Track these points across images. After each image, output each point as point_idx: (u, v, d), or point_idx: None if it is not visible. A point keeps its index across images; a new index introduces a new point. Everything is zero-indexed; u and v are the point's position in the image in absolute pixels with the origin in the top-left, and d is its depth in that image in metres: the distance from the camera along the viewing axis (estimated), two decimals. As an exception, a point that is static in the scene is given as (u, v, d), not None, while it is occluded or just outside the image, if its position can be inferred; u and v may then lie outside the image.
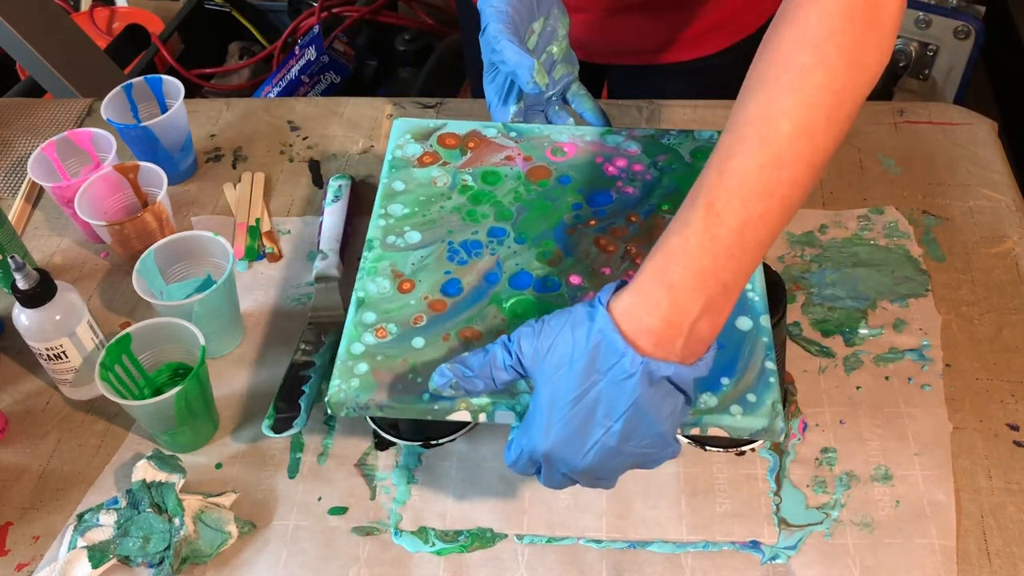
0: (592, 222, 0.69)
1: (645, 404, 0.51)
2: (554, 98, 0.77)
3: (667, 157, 0.73)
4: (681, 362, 0.51)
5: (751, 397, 0.58)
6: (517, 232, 0.68)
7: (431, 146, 0.74)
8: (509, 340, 0.56)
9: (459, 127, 0.76)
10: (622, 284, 0.54)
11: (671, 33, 0.93)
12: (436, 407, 0.59)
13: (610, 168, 0.72)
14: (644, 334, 0.51)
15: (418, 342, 0.62)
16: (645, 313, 0.51)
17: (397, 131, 0.76)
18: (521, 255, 0.67)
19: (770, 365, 0.59)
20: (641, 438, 0.53)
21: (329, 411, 0.60)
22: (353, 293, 0.65)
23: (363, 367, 0.61)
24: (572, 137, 0.74)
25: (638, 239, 0.68)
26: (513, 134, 0.75)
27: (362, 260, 0.67)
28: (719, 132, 0.73)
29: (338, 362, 0.61)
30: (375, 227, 0.69)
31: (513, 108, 0.76)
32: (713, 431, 0.58)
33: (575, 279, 0.65)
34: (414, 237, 0.68)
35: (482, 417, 0.59)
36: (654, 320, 0.51)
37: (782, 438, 0.59)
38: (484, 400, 0.59)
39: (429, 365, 0.60)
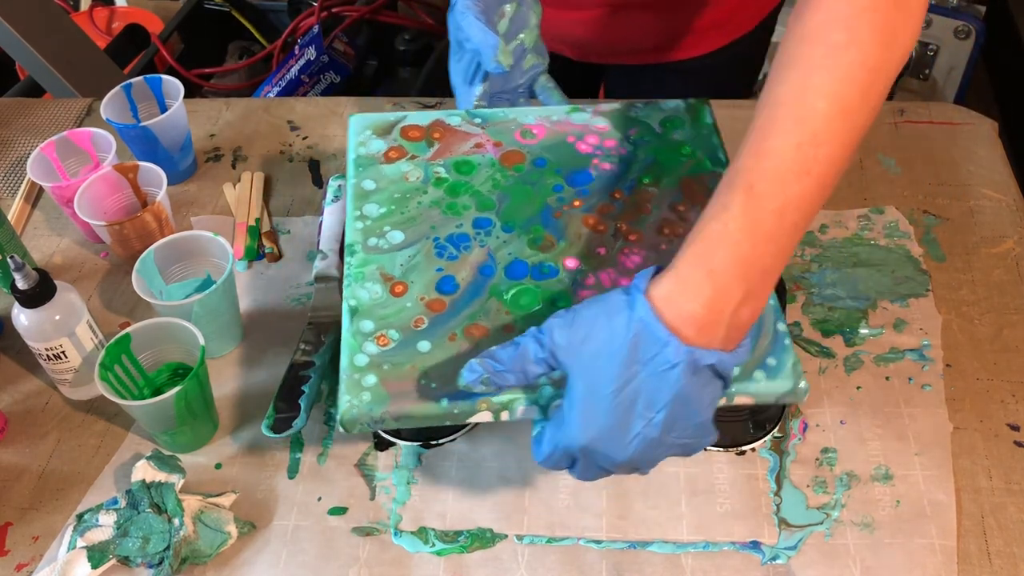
0: (577, 203, 0.68)
1: (688, 394, 0.51)
2: (521, 89, 0.76)
3: (638, 130, 0.73)
4: (722, 349, 0.51)
5: (771, 361, 0.57)
6: (503, 220, 0.67)
7: (395, 140, 0.72)
8: (540, 332, 0.53)
9: (420, 118, 0.73)
10: (658, 270, 0.52)
11: (671, 31, 0.93)
12: (456, 411, 0.57)
13: (582, 146, 0.71)
14: (686, 321, 0.50)
15: (424, 346, 0.60)
16: (687, 300, 0.50)
17: (355, 128, 0.73)
18: (512, 244, 0.65)
19: (782, 327, 0.59)
20: (683, 428, 0.52)
21: (343, 430, 0.57)
22: (343, 302, 0.62)
23: (371, 379, 0.58)
24: (539, 118, 0.73)
25: (626, 215, 0.67)
26: (478, 120, 0.73)
27: (346, 266, 0.64)
28: (687, 100, 0.74)
29: (343, 377, 0.58)
30: (353, 230, 0.66)
31: (478, 89, 0.74)
32: (740, 399, 0.57)
33: (571, 263, 0.64)
34: (397, 237, 0.65)
35: (504, 416, 0.57)
36: (696, 307, 0.50)
37: (805, 399, 0.58)
38: (505, 397, 0.57)
39: (440, 368, 0.58)
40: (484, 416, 0.57)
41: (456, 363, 0.58)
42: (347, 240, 0.65)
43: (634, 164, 0.70)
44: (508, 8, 0.73)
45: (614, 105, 0.74)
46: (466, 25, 0.69)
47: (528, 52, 0.75)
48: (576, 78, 1.01)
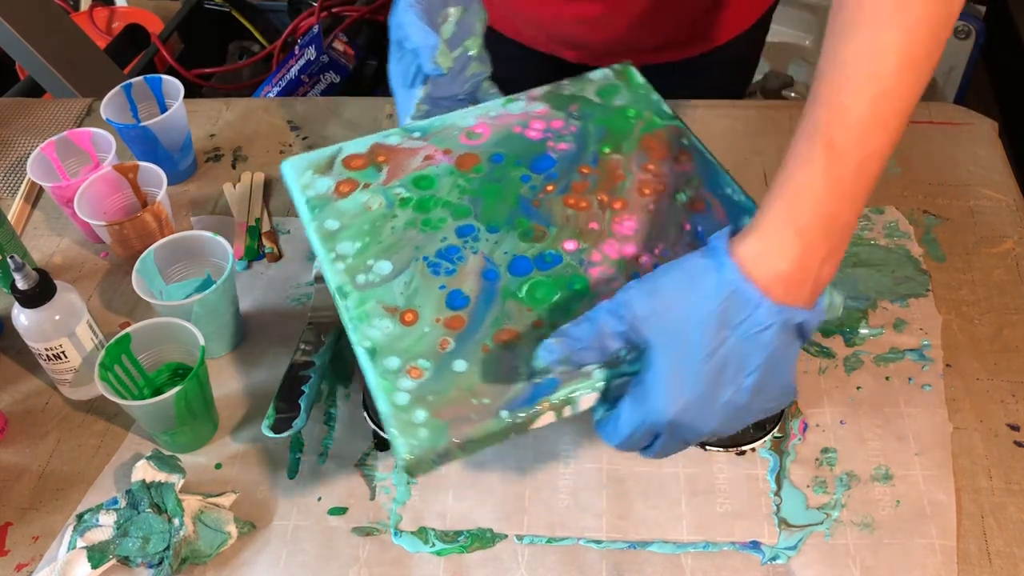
0: (549, 187, 0.67)
1: (778, 356, 0.50)
2: (462, 96, 0.74)
3: (578, 105, 0.72)
4: (805, 307, 0.50)
5: None
6: (485, 223, 0.65)
7: (340, 174, 0.67)
8: (617, 305, 0.51)
9: (358, 146, 0.69)
10: (735, 230, 0.52)
11: (673, 26, 0.93)
12: (519, 420, 0.54)
13: (532, 133, 0.71)
14: (775, 281, 0.49)
15: (460, 365, 0.56)
16: (776, 259, 0.50)
17: (292, 173, 0.68)
18: (503, 242, 0.64)
19: None
20: (770, 391, 0.51)
21: (409, 477, 0.54)
22: (355, 348, 0.58)
23: (421, 414, 0.54)
24: (478, 117, 0.71)
25: (603, 186, 0.66)
26: (417, 134, 0.70)
27: (342, 311, 0.60)
28: (612, 67, 0.75)
29: (391, 422, 0.54)
30: (335, 274, 0.61)
31: (419, 92, 0.71)
32: None
33: (570, 245, 0.63)
34: (384, 267, 0.62)
35: (567, 412, 0.55)
36: (785, 266, 0.49)
37: (840, 312, 0.56)
38: (563, 393, 0.54)
39: (487, 382, 0.55)
40: (547, 418, 0.55)
41: (500, 373, 0.55)
42: (333, 286, 0.61)
43: (589, 138, 0.70)
44: (452, 11, 0.71)
45: (544, 88, 0.74)
46: (407, 24, 0.68)
47: (473, 60, 0.72)
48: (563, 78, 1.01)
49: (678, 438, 0.53)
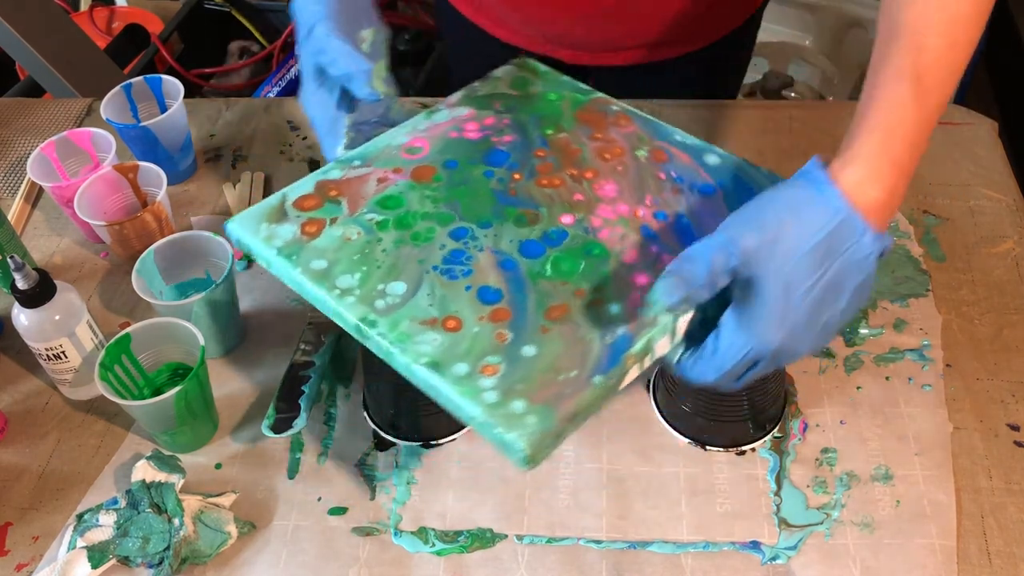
0: (516, 176, 0.67)
1: (870, 279, 0.53)
2: (376, 119, 0.73)
3: (500, 101, 0.73)
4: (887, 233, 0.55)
5: None
6: (474, 222, 0.64)
7: (299, 216, 0.64)
8: (727, 240, 0.52)
9: (301, 188, 0.67)
10: (824, 160, 0.54)
11: (669, 24, 0.94)
12: (612, 381, 0.54)
13: (469, 134, 0.71)
14: (873, 209, 0.52)
15: (529, 351, 0.56)
16: (875, 188, 0.52)
17: (244, 231, 0.64)
18: (502, 234, 0.63)
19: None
20: (854, 308, 0.54)
21: (530, 466, 0.52)
22: (410, 368, 0.56)
23: (519, 404, 0.53)
24: (408, 134, 0.71)
25: (566, 162, 0.68)
26: (357, 162, 0.68)
27: (375, 341, 0.57)
28: (511, 62, 0.77)
29: (493, 423, 0.52)
30: (349, 308, 0.59)
31: (346, 120, 0.69)
32: None
33: (566, 219, 0.64)
34: (398, 288, 0.60)
35: (647, 361, 0.56)
36: (881, 194, 0.52)
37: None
38: (641, 344, 0.55)
39: (566, 359, 0.55)
40: (633, 372, 0.56)
41: (572, 345, 0.56)
42: (352, 320, 0.59)
43: (526, 125, 0.71)
44: (367, 34, 0.69)
45: (458, 94, 0.74)
46: (332, 49, 0.65)
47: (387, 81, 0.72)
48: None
49: (776, 363, 0.55)
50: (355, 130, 0.70)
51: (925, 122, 0.54)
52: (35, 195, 0.95)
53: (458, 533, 0.66)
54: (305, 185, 0.67)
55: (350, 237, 0.63)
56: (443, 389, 0.55)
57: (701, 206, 0.65)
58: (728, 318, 0.54)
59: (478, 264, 0.62)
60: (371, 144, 0.70)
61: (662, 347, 0.56)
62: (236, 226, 0.65)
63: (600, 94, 0.75)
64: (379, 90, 0.66)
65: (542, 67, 0.76)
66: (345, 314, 0.59)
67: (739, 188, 0.66)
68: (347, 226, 0.64)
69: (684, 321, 0.57)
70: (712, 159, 0.68)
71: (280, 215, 0.65)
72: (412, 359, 0.56)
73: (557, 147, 0.70)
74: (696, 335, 0.57)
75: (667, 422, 0.71)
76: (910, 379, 0.73)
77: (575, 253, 0.62)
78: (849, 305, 0.54)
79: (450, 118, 0.72)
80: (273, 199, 0.66)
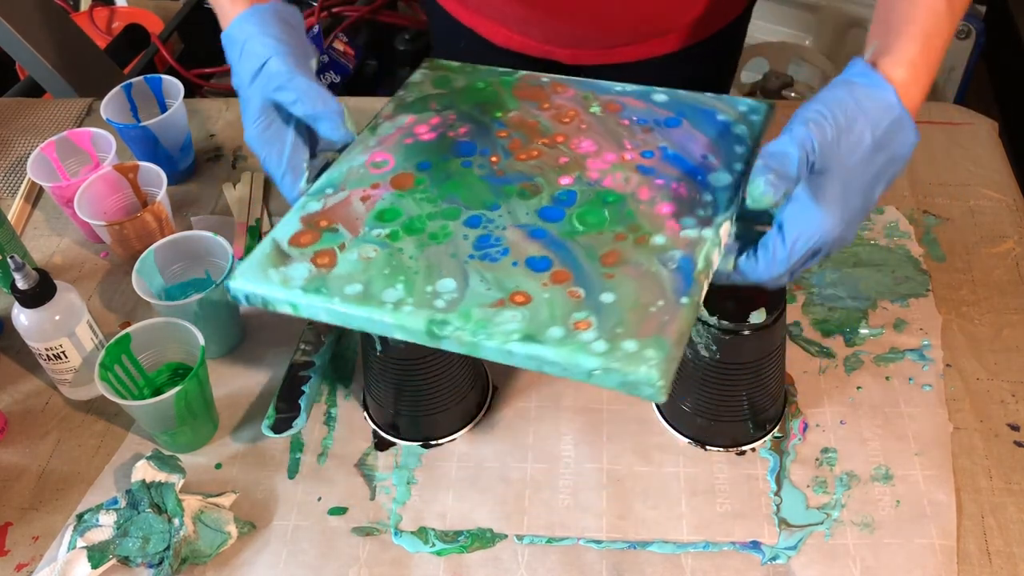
0: (494, 159, 0.68)
1: (902, 172, 0.59)
2: (323, 145, 0.71)
3: (434, 102, 0.74)
4: None
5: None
6: (480, 208, 0.65)
7: (304, 253, 0.63)
8: (807, 136, 0.55)
9: (287, 228, 0.64)
10: (872, 60, 0.58)
11: (669, 15, 0.94)
12: (696, 297, 0.57)
13: (424, 137, 0.71)
14: (913, 106, 0.57)
15: (608, 297, 0.57)
16: (917, 88, 0.57)
17: (252, 284, 0.62)
18: (515, 210, 0.64)
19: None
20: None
21: (663, 397, 0.53)
22: (506, 349, 0.56)
23: (630, 344, 0.54)
24: (364, 152, 0.69)
25: (533, 137, 0.70)
26: (330, 190, 0.67)
27: (459, 339, 0.57)
28: (417, 69, 0.78)
29: (618, 367, 0.54)
30: (414, 318, 0.58)
31: (306, 165, 0.67)
32: None
33: (565, 180, 0.66)
34: (448, 284, 0.59)
35: (710, 273, 0.59)
36: (919, 95, 0.58)
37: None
38: (702, 261, 0.58)
39: (643, 291, 0.58)
40: (705, 286, 0.59)
41: (643, 281, 0.58)
42: (419, 328, 0.58)
43: (473, 114, 0.72)
44: (313, 63, 0.68)
45: (389, 106, 0.75)
46: (297, 87, 0.63)
47: None
48: None
49: (832, 251, 0.58)
50: (311, 164, 0.69)
51: (951, 33, 0.59)
52: (35, 195, 0.95)
53: (458, 533, 0.66)
54: (291, 225, 0.65)
55: (368, 256, 0.62)
56: (548, 355, 0.55)
57: (676, 136, 0.69)
58: (792, 212, 0.56)
59: (510, 241, 0.62)
60: (332, 171, 0.69)
61: (716, 259, 0.60)
62: (242, 282, 0.62)
63: (524, 72, 0.77)
64: (352, 131, 0.66)
65: (454, 63, 0.78)
66: (410, 324, 0.58)
67: (697, 113, 0.71)
68: (359, 247, 0.63)
69: (725, 232, 0.61)
70: (660, 97, 0.73)
71: (283, 257, 0.63)
72: (503, 340, 0.56)
73: (514, 125, 0.71)
74: (732, 244, 0.61)
75: (667, 422, 0.71)
76: (910, 379, 0.73)
77: (594, 205, 0.64)
78: (880, 194, 0.59)
79: (395, 128, 0.72)
80: (264, 247, 0.63)
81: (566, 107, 0.73)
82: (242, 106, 0.67)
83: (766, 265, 0.57)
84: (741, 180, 0.65)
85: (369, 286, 0.60)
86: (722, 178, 0.66)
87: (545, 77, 0.76)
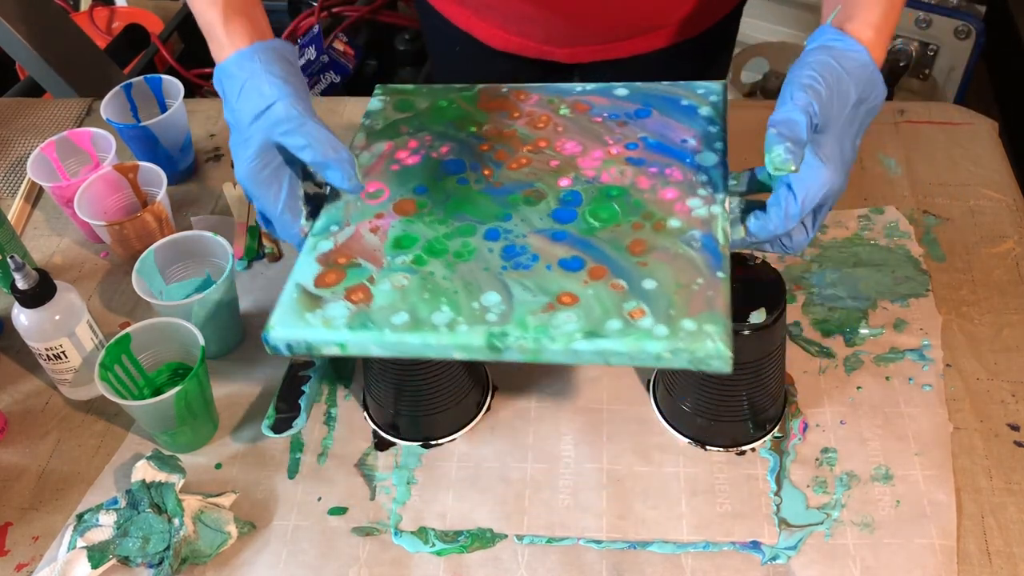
0: (487, 172, 0.70)
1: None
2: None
3: (403, 125, 0.75)
4: None
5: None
6: (493, 221, 0.66)
7: (335, 293, 0.63)
8: (808, 101, 0.59)
9: (306, 272, 0.64)
10: (836, 23, 0.64)
11: (665, 9, 0.94)
12: (727, 271, 0.61)
13: (408, 160, 0.72)
14: (880, 63, 0.63)
15: (649, 284, 0.60)
16: (879, 48, 0.63)
17: (294, 332, 0.62)
18: (527, 218, 0.66)
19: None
20: None
21: (731, 367, 0.56)
22: (572, 349, 0.58)
23: (688, 323, 0.57)
24: (354, 182, 0.67)
25: (515, 145, 0.72)
26: (335, 227, 0.67)
27: (523, 347, 0.58)
28: (377, 92, 0.79)
29: (682, 346, 0.56)
30: (472, 335, 0.59)
31: (302, 204, 0.67)
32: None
33: (564, 182, 0.68)
34: (492, 298, 0.61)
35: (728, 244, 0.63)
36: (883, 54, 0.63)
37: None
38: (720, 234, 0.63)
39: (680, 272, 0.61)
40: (729, 258, 0.62)
41: (676, 261, 0.61)
42: (479, 344, 0.59)
43: (449, 133, 0.74)
44: (311, 104, 0.67)
45: (359, 137, 0.75)
46: (308, 132, 0.63)
47: None
48: (549, 80, 1.02)
49: (833, 204, 0.63)
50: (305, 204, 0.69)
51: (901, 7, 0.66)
52: (35, 195, 0.95)
53: (458, 533, 0.66)
54: (309, 267, 0.65)
55: (402, 284, 0.63)
56: (616, 347, 0.57)
57: (651, 126, 0.72)
58: (805, 171, 0.60)
59: (535, 247, 0.64)
60: (331, 208, 0.69)
61: (728, 230, 0.64)
62: (281, 332, 0.62)
63: (482, 84, 0.79)
64: (362, 183, 0.66)
65: (407, 86, 0.79)
66: (469, 341, 0.59)
67: (662, 102, 0.74)
68: (389, 277, 0.63)
69: (727, 204, 0.65)
70: (621, 91, 0.76)
71: (314, 300, 0.63)
72: (566, 341, 0.58)
73: (493, 137, 0.73)
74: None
75: (667, 422, 0.71)
76: (910, 379, 0.73)
77: (600, 201, 0.66)
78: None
79: (376, 157, 0.73)
80: (291, 293, 0.63)
81: (536, 113, 0.75)
82: (236, 143, 0.65)
83: (779, 222, 0.61)
84: (725, 156, 0.69)
85: (415, 312, 0.61)
86: (709, 158, 0.69)
87: (504, 87, 0.78)
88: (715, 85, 0.76)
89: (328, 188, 0.71)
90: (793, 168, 0.57)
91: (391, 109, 0.77)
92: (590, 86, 0.77)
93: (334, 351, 0.61)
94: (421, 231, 0.66)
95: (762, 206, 0.63)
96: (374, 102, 0.78)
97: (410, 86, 0.80)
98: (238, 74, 0.65)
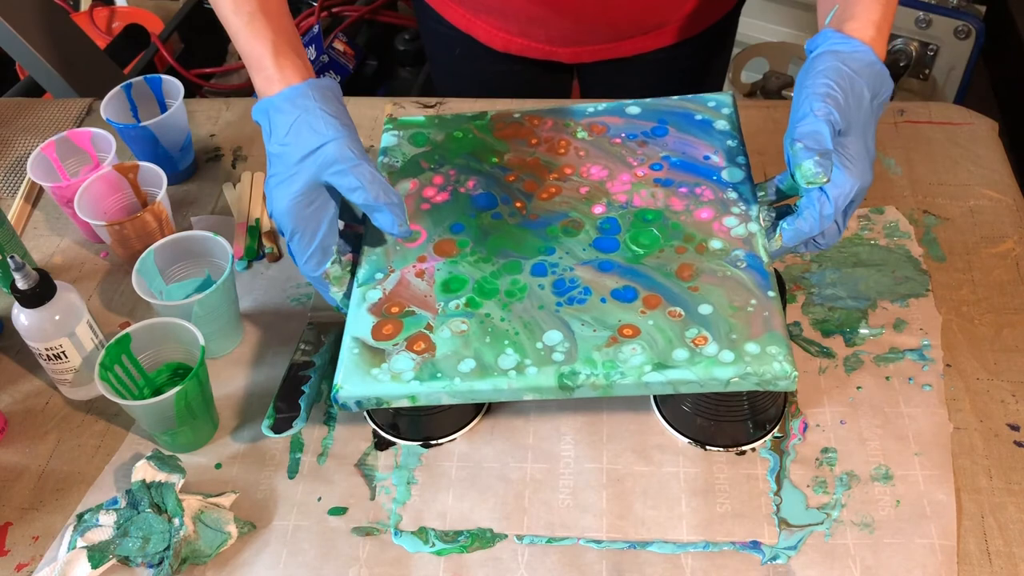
0: (518, 204, 0.71)
1: None
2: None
3: (423, 160, 0.76)
4: None
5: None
6: (537, 255, 0.67)
7: (396, 346, 0.63)
8: (828, 110, 0.60)
9: (362, 325, 0.65)
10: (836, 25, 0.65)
11: (647, 11, 0.94)
12: (776, 289, 0.63)
13: (438, 199, 0.72)
14: (883, 59, 0.64)
15: (706, 309, 0.62)
16: (882, 44, 0.64)
17: (363, 389, 0.62)
18: (571, 250, 0.67)
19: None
20: None
21: (795, 381, 0.59)
22: (643, 382, 0.60)
23: (751, 346, 0.60)
24: (404, 227, 0.68)
25: (540, 173, 0.72)
26: (380, 275, 0.68)
27: (594, 384, 0.60)
28: (387, 125, 0.79)
29: (750, 371, 0.59)
30: (543, 376, 0.60)
31: (335, 247, 0.67)
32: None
33: (598, 209, 0.69)
34: (554, 337, 0.62)
35: (772, 260, 0.65)
36: (884, 49, 0.65)
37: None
38: (763, 252, 0.64)
39: (733, 294, 0.62)
40: (770, 263, 0.64)
41: (726, 283, 0.63)
42: (553, 386, 0.60)
43: (471, 166, 0.74)
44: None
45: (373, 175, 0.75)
46: (362, 175, 0.62)
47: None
48: (547, 83, 1.02)
49: (861, 199, 0.64)
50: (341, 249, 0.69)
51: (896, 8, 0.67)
52: (35, 195, 0.95)
53: (458, 533, 0.66)
54: (362, 319, 0.65)
55: (461, 330, 0.63)
56: (687, 376, 0.59)
57: (672, 144, 0.73)
58: (837, 171, 0.61)
59: (585, 280, 0.65)
60: (371, 255, 0.69)
61: (767, 247, 0.65)
62: (349, 391, 0.62)
63: (492, 111, 0.79)
64: (409, 228, 0.65)
65: (415, 117, 0.80)
66: (540, 383, 0.60)
67: (676, 118, 0.75)
68: (447, 323, 0.64)
69: (762, 218, 0.67)
70: (633, 109, 0.76)
71: (378, 354, 0.63)
72: (637, 375, 0.59)
73: (516, 166, 0.73)
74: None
75: (667, 422, 0.71)
76: (910, 379, 0.73)
77: (639, 227, 0.67)
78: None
79: (404, 198, 0.73)
80: (351, 349, 0.64)
81: (554, 138, 0.75)
82: (280, 178, 0.64)
83: (813, 223, 0.62)
84: (749, 169, 0.70)
85: (480, 358, 0.62)
86: (735, 173, 0.70)
87: (516, 112, 0.78)
88: (724, 97, 0.76)
89: (366, 231, 0.71)
90: (825, 180, 0.59)
91: (407, 144, 0.77)
92: (601, 105, 0.77)
93: (404, 403, 0.62)
94: (467, 272, 0.67)
95: (788, 211, 0.65)
96: (387, 137, 0.78)
97: (420, 117, 0.79)
98: (289, 109, 0.64)
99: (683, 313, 0.62)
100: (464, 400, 0.62)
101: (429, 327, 0.64)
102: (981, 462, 0.67)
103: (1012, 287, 0.78)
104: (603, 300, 0.63)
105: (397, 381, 0.62)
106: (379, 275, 0.68)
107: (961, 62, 1.57)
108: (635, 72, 1.00)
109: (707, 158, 0.71)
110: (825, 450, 0.69)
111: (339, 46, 1.73)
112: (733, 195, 0.68)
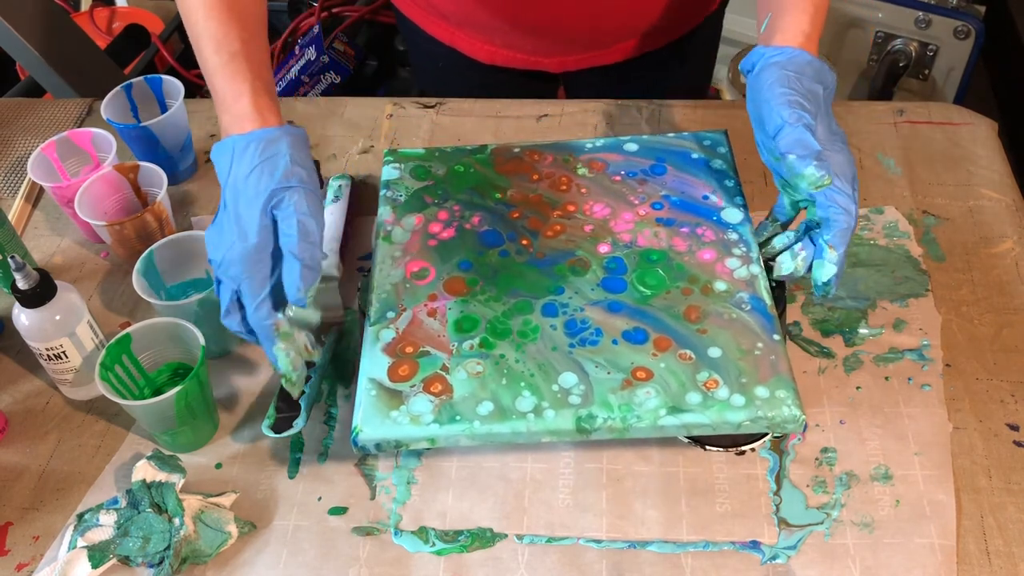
0: (525, 241, 0.72)
1: None
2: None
3: (426, 194, 0.76)
4: None
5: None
6: (547, 296, 0.68)
7: (414, 388, 0.64)
8: (807, 125, 0.63)
9: (376, 366, 0.66)
10: (766, 41, 0.68)
11: (652, 10, 0.94)
12: (781, 332, 0.65)
13: (444, 234, 0.73)
14: (816, 55, 0.67)
15: (715, 352, 0.64)
16: (814, 44, 0.68)
17: (383, 432, 0.63)
18: (579, 289, 0.68)
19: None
20: None
21: (804, 424, 0.62)
22: (659, 425, 0.61)
23: (760, 390, 0.62)
24: (397, 261, 0.70)
25: (543, 210, 0.73)
26: (392, 314, 0.68)
27: (611, 427, 0.61)
28: (389, 160, 0.80)
29: (760, 415, 0.61)
30: (560, 420, 0.62)
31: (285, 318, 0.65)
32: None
33: (603, 248, 0.70)
34: (570, 379, 0.63)
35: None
36: (816, 46, 0.68)
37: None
38: (766, 295, 0.66)
39: (740, 337, 0.64)
40: (774, 307, 0.66)
41: (732, 326, 0.64)
42: (570, 430, 0.61)
43: (475, 201, 0.75)
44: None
45: (385, 210, 0.76)
46: (305, 227, 0.62)
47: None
48: (533, 89, 1.02)
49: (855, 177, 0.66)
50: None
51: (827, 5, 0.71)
52: (36, 195, 0.95)
53: (458, 533, 0.66)
54: (377, 360, 0.66)
55: (477, 371, 0.64)
56: (700, 420, 0.60)
57: (670, 183, 0.74)
58: (836, 171, 0.63)
59: (596, 321, 0.66)
60: (380, 294, 0.70)
61: (769, 290, 0.67)
62: (368, 434, 0.62)
63: (491, 144, 0.79)
64: (305, 299, 0.63)
65: (415, 150, 0.80)
66: (558, 426, 0.61)
67: (674, 156, 0.76)
68: (463, 364, 0.65)
69: (760, 256, 0.68)
70: (631, 147, 0.78)
71: (396, 396, 0.64)
72: (653, 419, 0.61)
73: (520, 202, 0.74)
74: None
75: (667, 422, 0.71)
76: (910, 379, 0.73)
77: (644, 267, 0.68)
78: None
79: (410, 232, 0.74)
80: (368, 391, 0.64)
81: (555, 174, 0.76)
82: (234, 217, 0.63)
83: (849, 207, 0.63)
84: (747, 210, 0.72)
85: (498, 400, 0.62)
86: (734, 215, 0.71)
87: (516, 147, 0.78)
88: (718, 135, 0.78)
89: (373, 269, 0.72)
90: (828, 180, 0.61)
91: (408, 177, 0.78)
92: (599, 142, 0.78)
93: (423, 446, 0.63)
94: (479, 311, 0.67)
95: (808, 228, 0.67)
96: (388, 170, 0.79)
97: (419, 150, 0.80)
98: (261, 150, 0.63)
99: (694, 356, 0.63)
100: (483, 443, 0.63)
101: (445, 368, 0.64)
102: (981, 462, 0.67)
103: (1012, 287, 0.78)
104: (615, 342, 0.64)
105: (416, 424, 0.62)
106: (390, 314, 0.68)
107: (961, 62, 1.57)
108: (621, 77, 1.00)
109: (706, 198, 0.72)
110: (825, 450, 0.69)
111: (339, 46, 1.73)
112: (733, 236, 0.70)
